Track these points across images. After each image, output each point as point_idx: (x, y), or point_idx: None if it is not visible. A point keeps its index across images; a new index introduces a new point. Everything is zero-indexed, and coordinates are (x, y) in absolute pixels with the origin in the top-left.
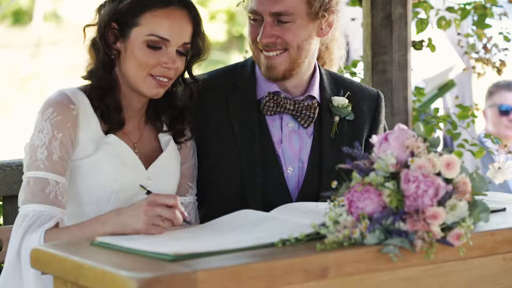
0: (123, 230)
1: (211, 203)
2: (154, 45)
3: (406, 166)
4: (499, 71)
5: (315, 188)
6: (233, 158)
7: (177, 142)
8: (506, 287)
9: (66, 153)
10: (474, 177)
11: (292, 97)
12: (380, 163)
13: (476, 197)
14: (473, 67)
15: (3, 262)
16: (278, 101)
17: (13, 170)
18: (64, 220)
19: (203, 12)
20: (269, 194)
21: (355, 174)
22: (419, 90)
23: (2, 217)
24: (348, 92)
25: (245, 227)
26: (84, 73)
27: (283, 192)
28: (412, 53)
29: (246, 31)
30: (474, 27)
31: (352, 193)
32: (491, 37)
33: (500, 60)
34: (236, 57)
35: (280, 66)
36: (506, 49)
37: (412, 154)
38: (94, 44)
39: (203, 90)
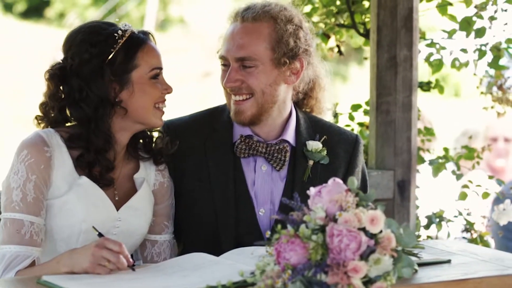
0: (73, 269)
1: (188, 241)
2: (157, 76)
3: (335, 219)
4: None
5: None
6: (208, 199)
7: (157, 162)
8: None
9: (41, 194)
10: (401, 232)
11: (265, 141)
12: (310, 216)
13: (413, 250)
14: (492, 107)
15: None
16: (251, 144)
17: None
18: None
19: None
20: (242, 234)
21: (279, 227)
22: (428, 130)
23: None
24: (325, 137)
25: (186, 271)
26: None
27: (255, 233)
28: None
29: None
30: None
31: (280, 243)
32: (508, 77)
33: None
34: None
35: (247, 111)
36: None
37: (342, 208)
38: (96, 106)
39: (183, 132)
